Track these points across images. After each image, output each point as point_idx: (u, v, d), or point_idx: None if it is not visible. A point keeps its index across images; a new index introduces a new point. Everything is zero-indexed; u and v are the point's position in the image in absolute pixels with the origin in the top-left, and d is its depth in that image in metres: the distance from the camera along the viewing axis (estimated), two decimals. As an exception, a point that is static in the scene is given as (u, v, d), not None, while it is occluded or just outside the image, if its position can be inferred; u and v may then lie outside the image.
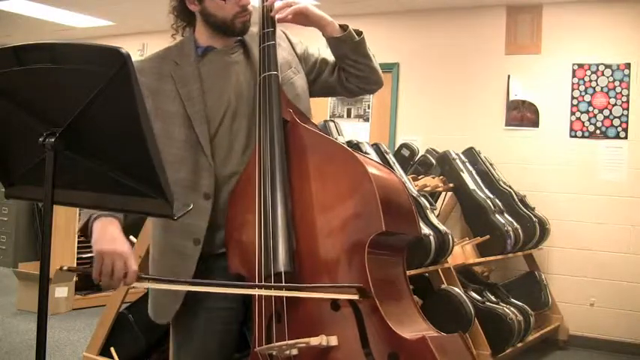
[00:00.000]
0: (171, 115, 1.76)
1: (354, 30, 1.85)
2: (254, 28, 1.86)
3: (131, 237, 1.83)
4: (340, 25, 1.85)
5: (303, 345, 1.51)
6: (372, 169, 1.57)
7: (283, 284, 1.55)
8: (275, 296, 1.59)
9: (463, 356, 1.49)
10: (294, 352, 1.52)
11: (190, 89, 1.77)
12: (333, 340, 1.50)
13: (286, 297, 1.57)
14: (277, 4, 1.81)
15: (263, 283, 1.59)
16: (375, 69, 1.92)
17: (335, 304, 1.53)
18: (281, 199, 1.62)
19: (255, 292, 1.62)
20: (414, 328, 1.52)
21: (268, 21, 1.82)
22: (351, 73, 1.90)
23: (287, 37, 1.94)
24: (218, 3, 1.76)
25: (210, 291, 1.68)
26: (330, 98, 5.85)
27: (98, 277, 1.52)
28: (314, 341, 1.49)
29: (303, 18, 1.82)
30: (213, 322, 1.78)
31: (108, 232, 1.57)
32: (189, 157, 1.75)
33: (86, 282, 5.32)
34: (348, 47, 1.84)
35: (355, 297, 1.48)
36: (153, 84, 1.77)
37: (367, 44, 1.88)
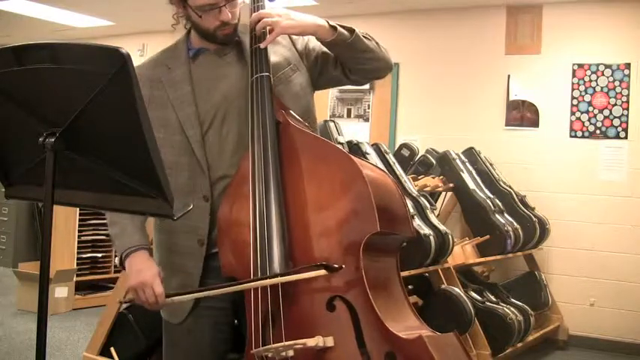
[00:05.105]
0: (165, 122, 1.76)
1: (346, 28, 1.76)
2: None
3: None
4: (331, 25, 1.76)
5: (300, 346, 1.50)
6: (366, 170, 1.56)
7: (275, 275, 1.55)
8: (270, 297, 1.59)
9: (459, 355, 1.49)
10: (290, 353, 1.52)
11: (181, 93, 1.77)
12: (330, 341, 1.50)
13: (282, 297, 1.57)
14: (258, 27, 1.74)
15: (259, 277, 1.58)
16: (378, 58, 1.82)
17: (331, 305, 1.53)
18: (275, 201, 1.61)
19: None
20: (409, 327, 1.52)
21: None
22: (352, 67, 1.84)
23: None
24: (196, 16, 1.74)
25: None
26: (330, 98, 5.86)
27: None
28: (311, 342, 1.49)
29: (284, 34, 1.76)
30: (204, 321, 1.80)
31: (134, 266, 1.72)
32: (186, 161, 1.76)
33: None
34: (342, 48, 1.78)
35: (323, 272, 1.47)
36: (146, 93, 1.74)
37: (362, 37, 1.78)
